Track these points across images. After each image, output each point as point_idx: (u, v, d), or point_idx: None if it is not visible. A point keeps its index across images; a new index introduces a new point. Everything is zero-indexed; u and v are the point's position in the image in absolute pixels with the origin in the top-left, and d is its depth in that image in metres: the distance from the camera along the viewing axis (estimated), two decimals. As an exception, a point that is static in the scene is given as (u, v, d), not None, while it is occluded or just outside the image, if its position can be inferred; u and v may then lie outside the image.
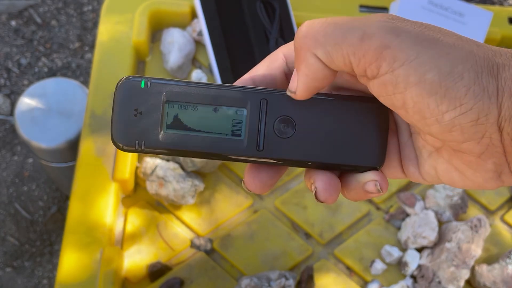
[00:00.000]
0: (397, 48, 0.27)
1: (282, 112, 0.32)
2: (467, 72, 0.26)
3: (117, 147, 0.32)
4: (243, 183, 0.34)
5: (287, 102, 0.32)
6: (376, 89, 0.29)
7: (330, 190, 0.32)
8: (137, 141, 0.32)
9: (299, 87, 0.31)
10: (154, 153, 0.33)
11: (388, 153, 0.33)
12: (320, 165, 0.33)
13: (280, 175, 0.34)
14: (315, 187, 0.32)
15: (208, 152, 0.32)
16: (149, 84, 0.32)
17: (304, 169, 0.34)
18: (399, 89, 0.27)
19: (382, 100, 0.29)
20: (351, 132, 0.32)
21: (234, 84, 0.34)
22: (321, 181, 0.32)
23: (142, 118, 0.32)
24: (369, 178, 0.32)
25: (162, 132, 0.32)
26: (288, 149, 0.32)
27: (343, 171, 0.33)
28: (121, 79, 0.33)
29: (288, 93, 0.32)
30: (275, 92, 0.33)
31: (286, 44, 0.34)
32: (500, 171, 0.29)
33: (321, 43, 0.28)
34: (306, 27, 0.29)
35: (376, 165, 0.33)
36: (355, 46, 0.27)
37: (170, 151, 0.32)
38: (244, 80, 0.34)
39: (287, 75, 0.34)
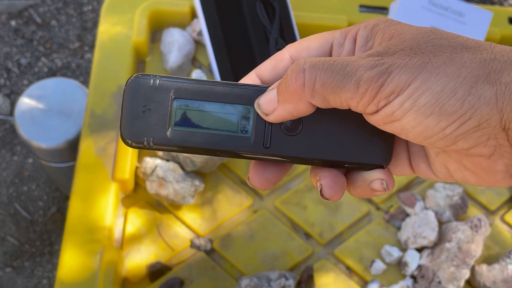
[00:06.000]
0: (391, 83, 0.28)
1: None
2: (460, 86, 0.27)
3: (126, 143, 0.33)
4: (248, 178, 0.34)
5: None
6: (374, 121, 0.30)
7: (336, 188, 0.32)
8: (145, 138, 0.33)
9: (275, 116, 0.31)
10: (162, 149, 0.33)
11: (396, 151, 0.33)
12: (326, 162, 0.33)
13: (286, 172, 0.34)
14: (321, 184, 0.32)
15: (215, 149, 0.33)
16: (157, 81, 0.33)
17: (309, 167, 0.34)
18: (395, 117, 0.28)
19: (381, 128, 0.30)
20: (357, 129, 0.32)
21: (241, 81, 0.34)
22: (327, 178, 0.32)
23: (150, 115, 0.33)
24: (375, 177, 0.32)
25: (170, 129, 0.33)
26: (295, 146, 0.33)
27: (349, 168, 0.34)
28: (130, 77, 0.33)
29: (256, 108, 0.32)
30: None
31: (292, 44, 0.34)
32: (511, 172, 0.29)
33: (319, 93, 0.29)
34: (306, 73, 0.29)
35: (382, 163, 0.33)
36: (352, 92, 0.28)
37: (178, 148, 0.33)
38: (250, 78, 0.34)
39: None
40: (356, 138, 0.33)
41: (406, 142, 0.33)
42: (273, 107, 0.31)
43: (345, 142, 0.33)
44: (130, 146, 0.33)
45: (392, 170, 0.34)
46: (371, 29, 0.31)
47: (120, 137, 0.33)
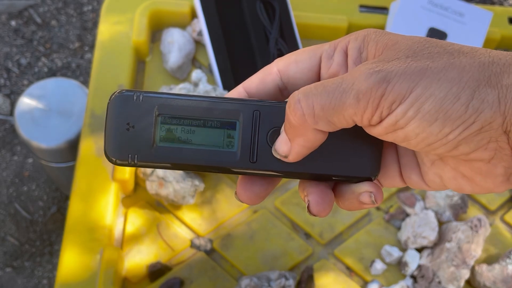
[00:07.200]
0: (392, 92, 0.27)
1: (275, 123, 0.32)
2: (463, 91, 0.26)
3: (110, 161, 0.32)
4: (236, 193, 0.34)
5: (279, 114, 0.32)
6: (376, 132, 0.29)
7: (323, 204, 0.32)
8: (130, 155, 0.32)
9: (293, 155, 0.31)
10: (147, 167, 0.33)
11: (385, 162, 0.33)
12: (314, 176, 0.33)
13: (273, 186, 0.34)
14: (308, 200, 0.32)
15: (201, 165, 0.32)
16: (141, 97, 0.32)
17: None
18: (399, 126, 0.28)
19: (382, 137, 0.29)
20: (345, 142, 0.32)
21: (226, 95, 0.34)
22: (314, 194, 0.32)
23: (134, 132, 0.32)
24: (363, 189, 0.32)
25: (154, 145, 0.32)
26: (282, 160, 0.32)
27: (338, 181, 0.33)
28: (113, 93, 0.32)
29: (275, 155, 0.32)
30: (267, 103, 0.33)
31: (280, 58, 0.34)
32: (509, 174, 0.29)
33: (321, 117, 0.29)
34: (302, 103, 0.29)
35: (370, 176, 0.32)
36: (354, 107, 0.28)
37: (163, 165, 0.32)
38: (238, 91, 0.34)
39: (281, 89, 0.34)
40: (343, 151, 0.32)
41: (396, 153, 0.33)
42: (287, 147, 0.31)
43: (332, 155, 0.32)
44: (114, 163, 0.32)
45: (382, 182, 0.34)
46: (362, 40, 0.31)
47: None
